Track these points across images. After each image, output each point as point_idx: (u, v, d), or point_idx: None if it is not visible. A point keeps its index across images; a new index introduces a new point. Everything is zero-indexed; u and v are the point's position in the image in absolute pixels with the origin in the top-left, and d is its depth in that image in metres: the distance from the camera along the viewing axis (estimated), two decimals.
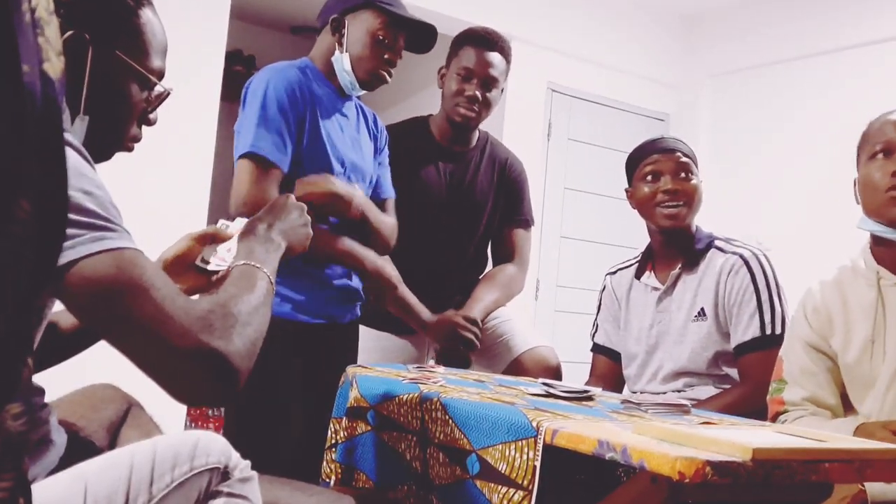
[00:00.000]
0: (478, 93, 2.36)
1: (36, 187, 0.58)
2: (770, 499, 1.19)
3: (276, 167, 1.89)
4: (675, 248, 2.18)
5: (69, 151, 1.00)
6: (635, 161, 2.24)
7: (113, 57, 1.16)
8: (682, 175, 2.15)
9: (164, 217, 3.34)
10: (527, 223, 2.55)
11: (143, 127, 1.25)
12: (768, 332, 2.02)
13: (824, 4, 4.72)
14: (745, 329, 2.05)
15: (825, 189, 4.18)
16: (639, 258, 2.31)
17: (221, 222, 1.47)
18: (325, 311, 2.00)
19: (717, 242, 2.18)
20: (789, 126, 4.81)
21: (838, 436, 1.45)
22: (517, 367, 2.32)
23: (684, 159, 2.16)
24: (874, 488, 1.49)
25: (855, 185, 1.78)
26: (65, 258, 0.93)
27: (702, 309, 2.11)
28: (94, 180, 0.99)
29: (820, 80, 4.70)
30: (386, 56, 2.01)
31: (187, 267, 1.41)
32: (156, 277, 0.96)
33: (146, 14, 1.20)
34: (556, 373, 2.32)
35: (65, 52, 1.12)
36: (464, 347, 2.27)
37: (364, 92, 2.08)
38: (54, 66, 0.61)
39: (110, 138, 1.20)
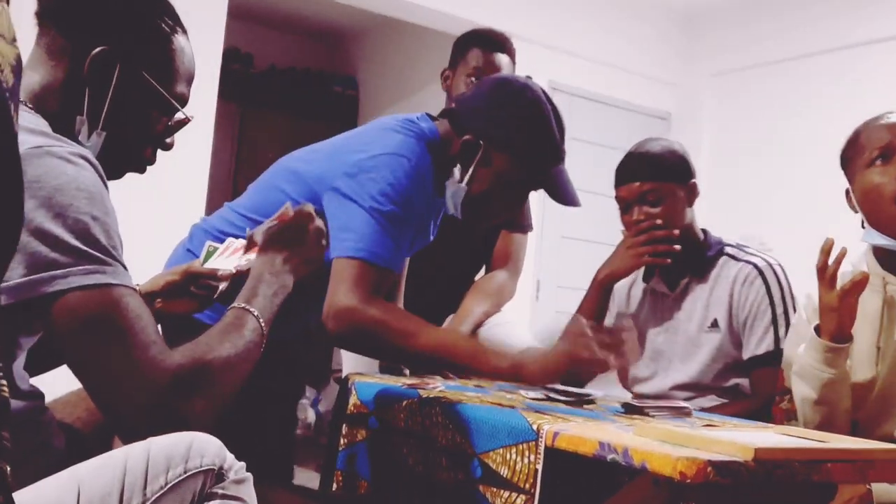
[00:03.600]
0: None
1: None
2: (773, 501, 1.18)
3: (392, 273, 1.62)
4: (683, 255, 2.06)
5: (87, 171, 1.01)
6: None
7: (139, 78, 1.17)
8: (650, 200, 2.04)
9: (161, 215, 3.33)
10: (524, 228, 2.53)
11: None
12: (781, 346, 1.95)
13: (825, 4, 4.71)
14: (759, 342, 1.99)
15: (827, 188, 4.17)
16: None
17: (209, 243, 1.46)
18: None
19: (728, 250, 2.09)
20: (791, 124, 4.80)
21: (840, 436, 1.44)
22: None
23: (646, 185, 2.02)
24: (880, 489, 1.47)
25: (849, 195, 1.70)
26: (55, 286, 0.94)
27: (714, 320, 2.05)
28: (105, 205, 1.00)
29: (821, 78, 4.70)
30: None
31: (180, 293, 1.43)
32: (136, 320, 0.97)
33: (179, 41, 1.22)
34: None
35: (92, 67, 1.13)
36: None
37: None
38: (6, 57, 0.60)
39: (124, 157, 1.21)
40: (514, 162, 1.61)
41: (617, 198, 2.12)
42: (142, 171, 1.25)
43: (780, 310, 1.99)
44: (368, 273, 1.52)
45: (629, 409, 1.51)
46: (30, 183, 0.96)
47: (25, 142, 0.99)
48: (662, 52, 5.30)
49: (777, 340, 1.97)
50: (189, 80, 1.25)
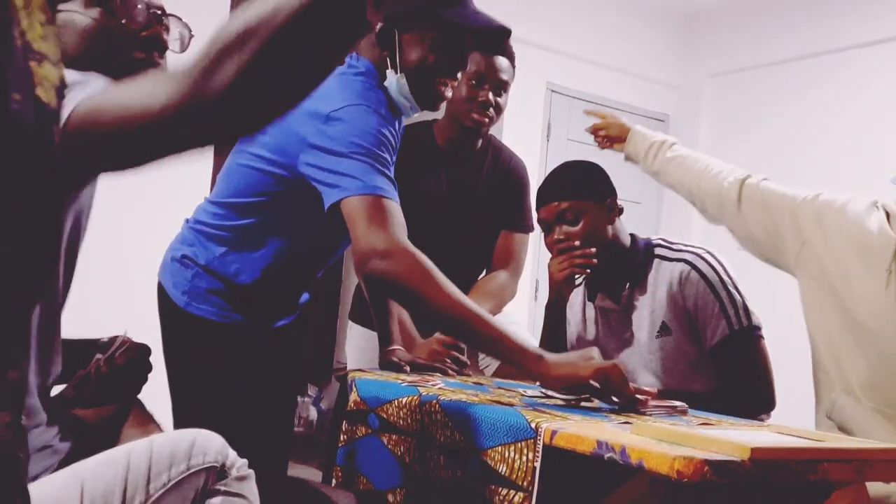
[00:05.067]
0: (491, 97, 2.34)
1: (24, 220, 0.56)
2: (770, 500, 1.19)
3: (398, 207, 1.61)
4: (616, 268, 2.10)
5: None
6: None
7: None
8: (568, 219, 2.08)
9: (164, 215, 3.33)
10: (525, 228, 2.54)
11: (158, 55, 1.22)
12: (736, 327, 1.98)
13: (825, 4, 4.72)
14: (714, 332, 2.00)
15: (826, 188, 4.18)
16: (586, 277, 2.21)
17: None
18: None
19: (657, 251, 2.11)
20: (789, 126, 4.81)
21: (837, 435, 1.45)
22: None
23: (563, 204, 2.07)
24: (874, 488, 1.48)
25: None
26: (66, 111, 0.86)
27: (663, 323, 2.06)
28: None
29: (820, 80, 4.70)
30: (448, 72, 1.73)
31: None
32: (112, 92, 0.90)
33: None
34: None
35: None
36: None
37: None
38: (50, 79, 0.60)
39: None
40: (420, 26, 1.66)
41: (538, 221, 2.17)
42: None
43: (723, 294, 2.00)
44: (380, 207, 1.51)
45: (626, 409, 1.52)
46: None
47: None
48: (661, 53, 5.31)
49: (730, 323, 1.99)
50: None
